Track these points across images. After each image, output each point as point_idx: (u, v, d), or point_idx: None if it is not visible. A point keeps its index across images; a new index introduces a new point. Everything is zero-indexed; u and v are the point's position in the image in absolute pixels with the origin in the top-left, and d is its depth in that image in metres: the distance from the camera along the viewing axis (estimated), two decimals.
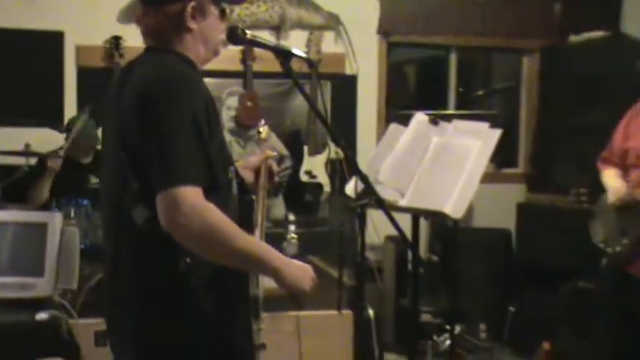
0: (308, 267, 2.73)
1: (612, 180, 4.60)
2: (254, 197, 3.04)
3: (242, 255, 2.52)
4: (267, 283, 2.78)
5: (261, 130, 3.50)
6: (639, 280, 4.27)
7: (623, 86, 5.44)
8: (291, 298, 2.71)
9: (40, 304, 4.31)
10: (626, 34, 7.24)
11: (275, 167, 3.39)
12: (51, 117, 6.28)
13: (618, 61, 6.37)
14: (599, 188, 4.72)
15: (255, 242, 2.61)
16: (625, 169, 4.57)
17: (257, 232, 2.85)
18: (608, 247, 4.51)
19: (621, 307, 4.49)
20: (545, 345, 6.49)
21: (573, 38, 7.37)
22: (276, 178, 3.40)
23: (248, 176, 3.21)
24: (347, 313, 5.45)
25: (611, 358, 4.58)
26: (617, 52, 6.72)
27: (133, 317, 2.65)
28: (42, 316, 4.21)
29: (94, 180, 5.70)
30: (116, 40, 6.28)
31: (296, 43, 6.69)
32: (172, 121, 2.45)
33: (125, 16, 6.33)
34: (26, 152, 5.67)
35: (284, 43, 5.79)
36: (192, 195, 2.40)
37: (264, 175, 3.27)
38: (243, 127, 6.61)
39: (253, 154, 3.60)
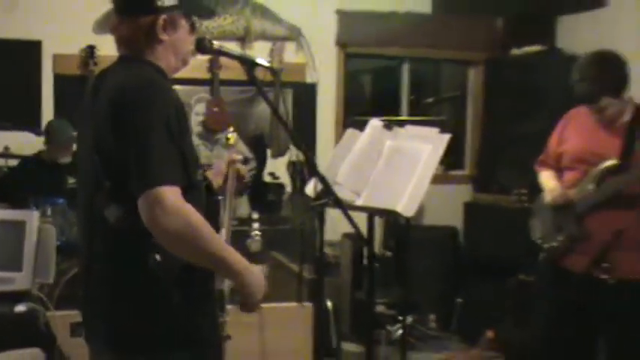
0: (262, 276, 2.71)
1: (548, 181, 4.60)
2: (220, 198, 3.04)
3: (213, 257, 2.51)
4: None
5: (229, 136, 3.49)
6: (573, 273, 4.26)
7: (557, 96, 5.49)
8: (243, 302, 2.70)
9: (18, 297, 4.32)
10: (560, 49, 7.35)
11: (243, 170, 3.39)
12: (29, 121, 6.25)
13: (553, 72, 6.47)
14: (537, 189, 4.73)
15: (224, 245, 2.58)
16: (560, 171, 4.57)
17: (223, 231, 2.85)
18: (546, 243, 4.51)
19: (557, 297, 4.51)
20: (490, 333, 6.55)
21: (514, 51, 7.43)
22: (244, 179, 3.39)
23: (218, 181, 3.21)
24: (307, 305, 5.45)
25: (548, 344, 4.59)
26: (552, 65, 6.83)
27: (104, 312, 2.64)
28: (20, 308, 4.24)
29: (71, 180, 5.68)
30: (91, 49, 6.27)
31: (260, 53, 6.69)
32: (149, 125, 2.44)
33: (99, 27, 6.30)
34: (5, 154, 5.64)
35: (249, 53, 5.78)
36: (173, 194, 2.40)
37: (231, 179, 3.27)
38: (211, 131, 6.63)
39: (220, 157, 3.59)
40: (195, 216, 2.44)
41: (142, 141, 2.42)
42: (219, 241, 2.55)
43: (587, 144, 4.43)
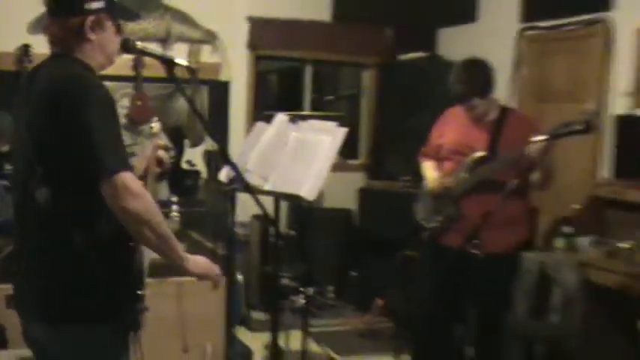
0: (203, 259, 2.78)
1: (429, 170, 4.69)
2: (143, 183, 3.04)
3: (163, 238, 2.54)
4: (151, 254, 2.77)
5: (153, 125, 3.46)
6: (450, 249, 4.36)
7: (438, 96, 5.59)
8: (208, 280, 2.77)
9: None
10: (440, 56, 7.50)
11: (165, 156, 3.39)
12: None
13: (434, 76, 6.48)
14: (420, 176, 4.81)
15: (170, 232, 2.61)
16: (439, 160, 4.66)
17: None
18: (427, 223, 4.60)
19: (436, 269, 4.60)
20: (379, 301, 6.64)
21: (401, 57, 7.50)
22: (165, 164, 3.39)
23: (142, 165, 3.21)
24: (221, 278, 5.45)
25: (429, 308, 4.68)
26: (433, 69, 6.87)
27: (35, 285, 2.62)
28: None
29: (7, 167, 5.58)
30: (25, 48, 6.14)
31: (179, 53, 6.66)
32: (97, 117, 2.43)
33: (33, 28, 6.19)
34: None
35: (169, 53, 5.75)
36: (134, 179, 2.44)
37: (153, 163, 3.26)
38: (134, 123, 6.57)
39: (142, 146, 3.58)
40: (151, 200, 2.48)
41: (94, 132, 2.40)
42: (167, 226, 2.57)
43: (461, 138, 4.54)
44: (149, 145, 3.30)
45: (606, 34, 5.87)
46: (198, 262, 2.74)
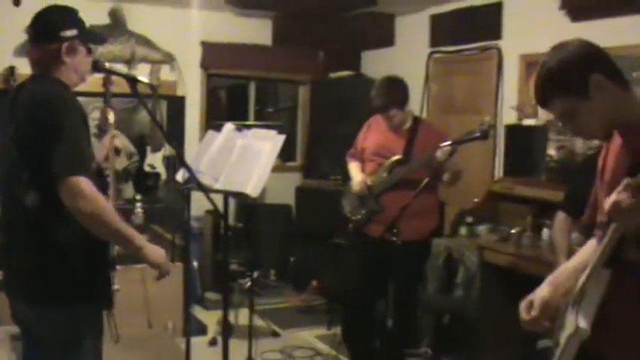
0: (159, 248, 2.78)
1: (355, 171, 4.71)
2: (109, 181, 3.03)
3: (118, 233, 2.55)
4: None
5: (109, 117, 3.42)
6: (372, 237, 4.40)
7: (362, 108, 5.63)
8: (156, 269, 2.75)
9: None
10: (364, 74, 7.54)
11: (120, 143, 3.38)
12: None
13: (359, 91, 6.56)
14: (347, 176, 4.82)
15: (125, 224, 2.61)
16: (363, 162, 4.70)
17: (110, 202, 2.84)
18: (353, 215, 4.62)
19: (361, 255, 4.63)
20: (314, 282, 6.69)
21: (331, 75, 7.54)
22: (119, 147, 3.38)
23: (102, 153, 3.21)
24: (178, 264, 5.42)
25: (356, 288, 4.70)
26: (358, 85, 6.94)
27: (23, 272, 2.63)
28: None
29: None
30: (11, 69, 6.04)
31: (142, 72, 6.60)
32: (66, 127, 2.45)
33: (18, 52, 6.08)
34: None
35: (133, 72, 5.70)
36: (86, 183, 2.43)
37: (112, 150, 3.25)
38: (103, 132, 6.49)
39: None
40: (103, 201, 2.48)
41: (61, 139, 2.42)
42: (121, 220, 2.57)
43: (381, 143, 4.57)
44: (110, 133, 3.29)
45: (498, 59, 5.99)
46: (155, 251, 2.74)
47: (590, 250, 2.24)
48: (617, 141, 2.16)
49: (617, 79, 2.04)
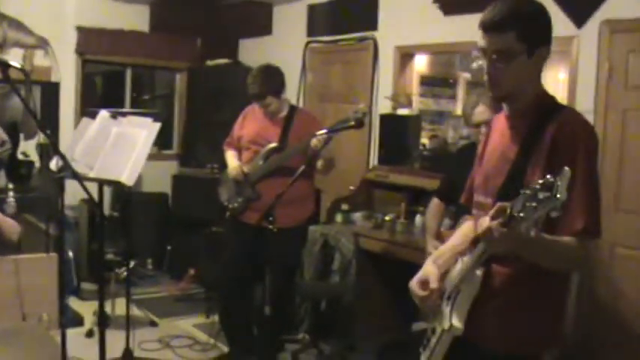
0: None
1: (231, 159, 4.75)
2: None
3: None
4: None
5: None
6: (249, 225, 4.45)
7: (239, 95, 5.65)
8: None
9: None
10: (241, 62, 7.61)
11: None
12: None
13: (236, 79, 6.54)
14: (224, 164, 4.86)
15: None
16: (240, 150, 4.75)
17: None
18: (230, 203, 4.66)
19: (237, 242, 4.67)
20: (191, 271, 6.69)
21: (208, 63, 7.54)
22: None
23: None
24: (53, 255, 5.30)
25: (232, 275, 4.72)
26: (236, 73, 6.95)
27: None
28: None
29: None
30: None
31: (14, 57, 6.39)
32: None
33: None
34: None
35: (5, 57, 5.52)
36: None
37: None
38: None
39: None
40: None
41: None
42: None
43: (258, 131, 4.64)
44: None
45: (374, 49, 6.17)
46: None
47: (467, 230, 2.40)
48: (498, 125, 2.30)
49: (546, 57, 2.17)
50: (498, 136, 2.25)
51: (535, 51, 2.09)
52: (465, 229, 2.45)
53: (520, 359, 2.15)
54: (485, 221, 1.87)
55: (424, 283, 2.29)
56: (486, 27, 2.10)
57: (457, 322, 2.16)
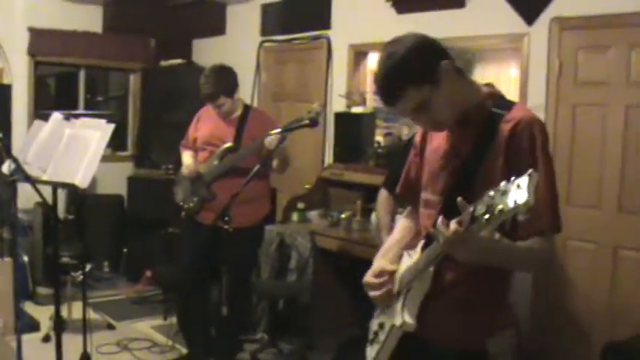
0: None
1: (187, 159, 4.75)
2: None
3: None
4: None
5: None
6: (204, 225, 4.45)
7: (193, 96, 5.64)
8: None
9: None
10: (195, 62, 7.59)
11: None
12: None
13: (190, 79, 6.50)
14: (179, 165, 4.86)
15: None
16: (195, 151, 4.75)
17: None
18: (185, 204, 4.66)
19: (193, 242, 4.62)
20: (148, 272, 6.67)
21: (162, 63, 7.52)
22: None
23: None
24: (8, 260, 5.27)
25: (189, 275, 4.71)
26: (189, 74, 6.92)
27: None
28: None
29: None
30: None
31: None
32: None
33: None
34: None
35: None
36: None
37: None
38: None
39: None
40: None
41: None
42: None
43: (212, 132, 4.64)
44: None
45: (327, 48, 6.21)
46: None
47: (408, 223, 2.43)
48: None
49: (455, 67, 2.11)
50: (443, 133, 2.22)
51: (438, 78, 2.03)
52: (405, 222, 2.48)
53: (468, 354, 2.16)
54: (450, 224, 1.82)
55: (379, 275, 2.30)
56: (388, 103, 2.08)
57: (409, 319, 2.18)
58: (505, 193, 1.63)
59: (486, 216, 1.66)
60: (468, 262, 1.90)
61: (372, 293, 2.31)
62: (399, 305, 2.23)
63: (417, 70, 2.01)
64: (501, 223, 1.70)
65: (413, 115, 2.09)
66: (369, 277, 2.33)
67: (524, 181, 1.61)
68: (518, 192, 1.60)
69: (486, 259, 1.95)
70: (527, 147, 2.00)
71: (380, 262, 2.35)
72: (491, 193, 1.67)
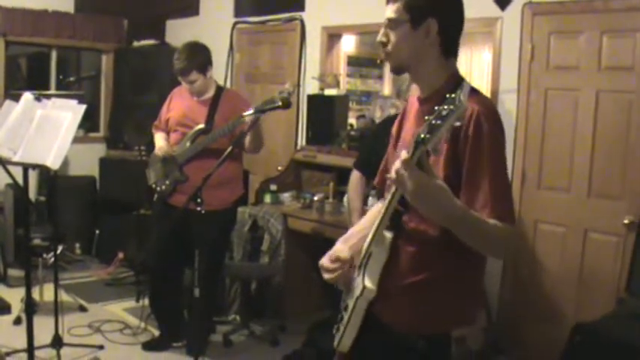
0: None
1: (159, 141, 4.72)
2: None
3: None
4: None
5: None
6: (177, 207, 4.41)
7: (166, 77, 5.62)
8: None
9: None
10: (168, 43, 7.53)
11: None
12: None
13: (163, 60, 6.53)
14: (152, 146, 4.82)
15: None
16: (168, 132, 4.72)
17: None
18: (157, 186, 4.65)
19: (166, 224, 4.60)
20: (120, 254, 6.65)
21: (135, 44, 7.47)
22: None
23: None
24: None
25: (160, 257, 4.73)
26: (162, 54, 6.92)
27: None
28: None
29: None
30: None
31: None
32: None
33: None
34: None
35: None
36: None
37: None
38: None
39: None
40: None
41: None
42: None
43: (185, 113, 4.61)
44: None
45: (301, 30, 6.18)
46: None
47: (377, 212, 2.37)
48: (414, 107, 2.27)
49: (444, 41, 2.10)
50: (412, 119, 2.23)
51: (421, 22, 2.06)
52: (376, 209, 2.46)
53: (432, 338, 2.13)
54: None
55: (334, 260, 2.28)
56: None
57: (369, 284, 2.14)
58: (440, 112, 1.69)
59: (427, 135, 1.71)
60: (425, 209, 1.87)
61: (326, 276, 2.30)
62: (360, 277, 2.19)
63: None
64: (444, 134, 1.71)
65: (385, 25, 2.12)
66: (324, 260, 2.32)
67: (459, 91, 1.70)
68: (451, 104, 1.69)
69: (444, 211, 1.87)
70: (472, 134, 1.97)
71: (339, 247, 2.33)
72: (430, 117, 1.71)
